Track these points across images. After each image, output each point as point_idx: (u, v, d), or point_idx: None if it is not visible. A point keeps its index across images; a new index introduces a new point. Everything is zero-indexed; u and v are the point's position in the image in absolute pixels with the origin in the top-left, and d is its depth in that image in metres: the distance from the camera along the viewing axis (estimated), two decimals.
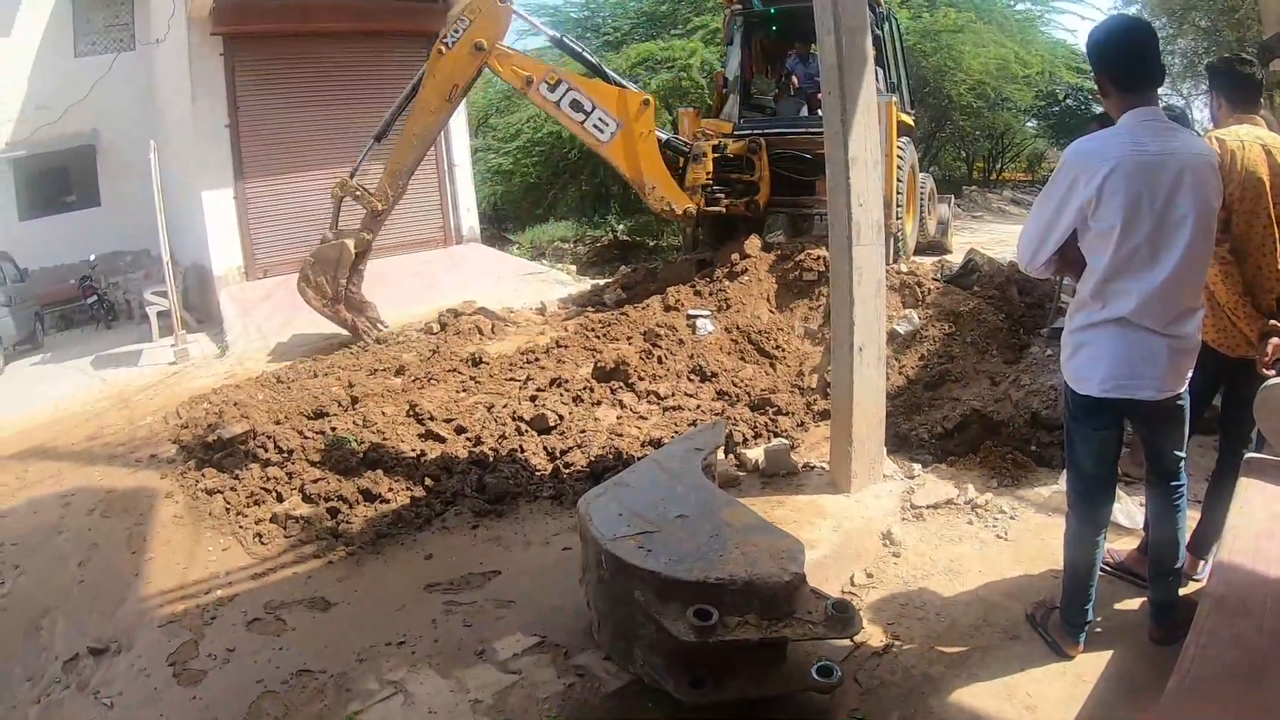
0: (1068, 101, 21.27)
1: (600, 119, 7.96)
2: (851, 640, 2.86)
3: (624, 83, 8.45)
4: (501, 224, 18.97)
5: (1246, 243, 2.86)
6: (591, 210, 18.37)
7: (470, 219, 12.43)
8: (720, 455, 4.36)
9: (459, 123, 11.99)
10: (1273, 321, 2.85)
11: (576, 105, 7.93)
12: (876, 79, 4.39)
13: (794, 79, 10.00)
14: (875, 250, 4.20)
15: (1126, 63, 2.57)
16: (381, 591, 3.73)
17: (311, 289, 8.14)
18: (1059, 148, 27.61)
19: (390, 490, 4.62)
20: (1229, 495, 2.93)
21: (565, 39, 8.57)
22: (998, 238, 12.23)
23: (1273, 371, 2.81)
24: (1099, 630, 2.97)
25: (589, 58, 8.61)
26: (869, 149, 4.08)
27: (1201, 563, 3.24)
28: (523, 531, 4.27)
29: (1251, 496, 2.74)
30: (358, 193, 7.98)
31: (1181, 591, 2.97)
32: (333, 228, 8.13)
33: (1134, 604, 3.18)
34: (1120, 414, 2.73)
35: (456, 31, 7.63)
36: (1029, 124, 24.50)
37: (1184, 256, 2.47)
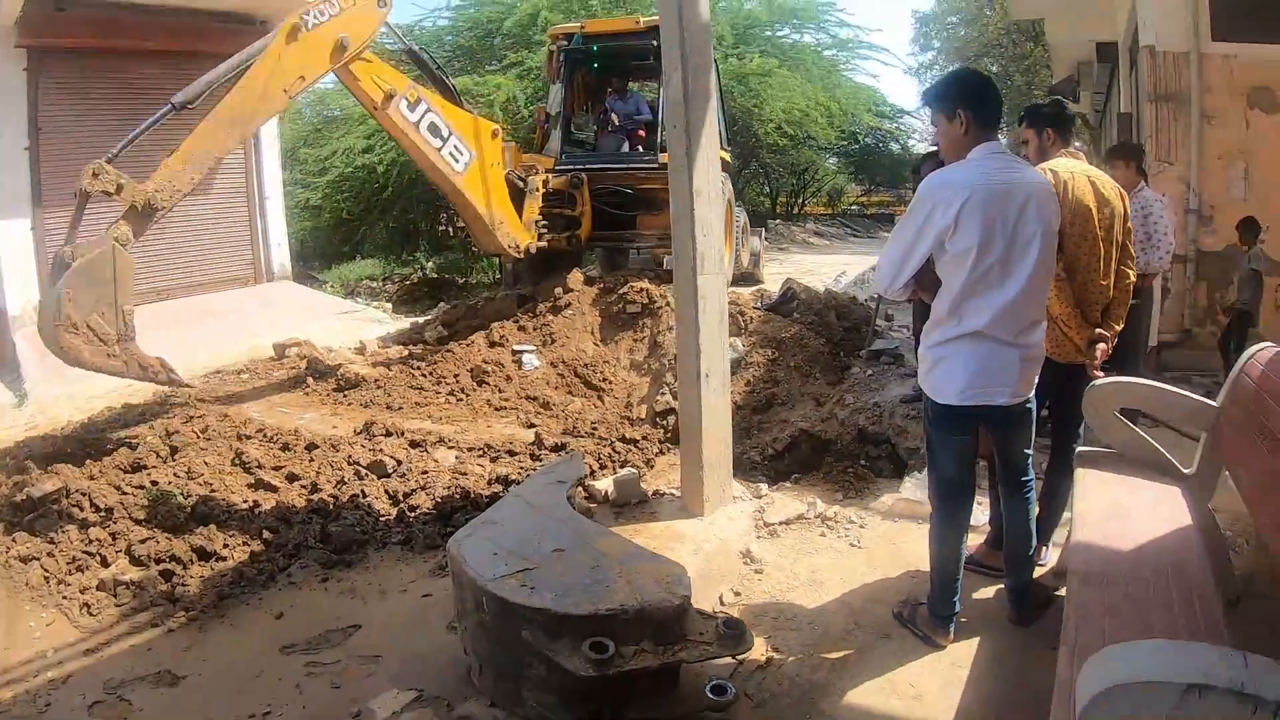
0: (867, 140, 22.94)
1: (456, 146, 7.19)
2: (734, 657, 2.91)
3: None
4: (307, 261, 18.03)
5: (1076, 261, 3.32)
6: (399, 248, 17.87)
7: (282, 255, 11.71)
8: None
9: (272, 152, 11.31)
10: (1099, 330, 3.35)
11: (434, 129, 7.01)
12: None
13: (614, 116, 10.24)
14: (718, 278, 4.34)
15: (987, 102, 2.90)
16: (233, 658, 3.38)
17: (82, 338, 5.18)
18: (858, 183, 30.02)
19: (226, 546, 4.23)
20: (1065, 487, 3.42)
21: (422, 51, 7.73)
22: (806, 267, 13.06)
23: (1100, 373, 3.33)
24: (963, 620, 3.21)
25: (446, 79, 7.78)
26: (711, 181, 4.22)
27: (1044, 548, 3.60)
28: (377, 581, 4.03)
29: (1090, 484, 3.16)
30: (120, 183, 5.29)
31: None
32: (71, 239, 5.41)
33: (989, 592, 3.48)
34: (976, 420, 3.00)
35: (321, 15, 6.05)
36: (830, 160, 26.30)
37: (1032, 273, 2.79)
